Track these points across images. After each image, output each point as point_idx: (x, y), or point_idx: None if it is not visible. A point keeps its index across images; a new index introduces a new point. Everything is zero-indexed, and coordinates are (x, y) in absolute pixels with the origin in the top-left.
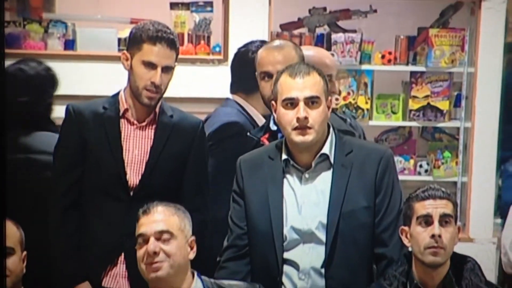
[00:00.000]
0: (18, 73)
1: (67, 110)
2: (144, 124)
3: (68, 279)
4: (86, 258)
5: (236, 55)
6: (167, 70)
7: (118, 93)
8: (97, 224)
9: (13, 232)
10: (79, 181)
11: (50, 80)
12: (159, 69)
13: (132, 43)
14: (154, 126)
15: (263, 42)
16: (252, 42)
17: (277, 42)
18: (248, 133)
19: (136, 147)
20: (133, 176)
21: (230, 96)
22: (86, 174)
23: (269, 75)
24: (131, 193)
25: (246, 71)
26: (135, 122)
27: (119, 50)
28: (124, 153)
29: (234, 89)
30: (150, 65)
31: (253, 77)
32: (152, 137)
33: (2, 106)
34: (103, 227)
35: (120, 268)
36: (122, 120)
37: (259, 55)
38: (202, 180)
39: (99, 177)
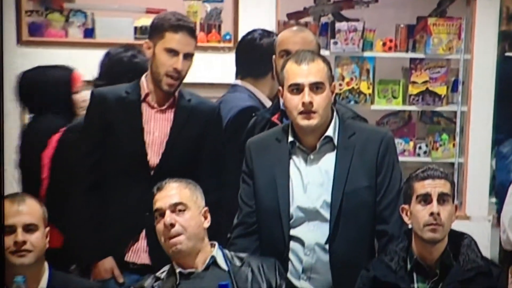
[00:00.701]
0: (103, 58)
1: (91, 94)
2: (164, 107)
3: (92, 255)
4: (110, 234)
5: (241, 43)
6: (188, 56)
7: (139, 79)
8: (119, 202)
9: (36, 210)
10: (102, 162)
11: (130, 67)
12: (181, 56)
13: (154, 32)
14: (173, 110)
15: (264, 31)
16: (254, 30)
17: (297, 27)
18: (253, 114)
19: (157, 129)
20: (154, 157)
21: (238, 82)
22: (109, 155)
23: (288, 53)
24: (152, 173)
25: (254, 57)
26: (156, 105)
27: (135, 38)
28: (145, 135)
29: (242, 75)
30: (173, 52)
31: (261, 62)
32: (172, 120)
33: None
34: (125, 205)
35: (142, 243)
36: (143, 104)
37: (281, 36)
38: (218, 161)
39: (121, 157)
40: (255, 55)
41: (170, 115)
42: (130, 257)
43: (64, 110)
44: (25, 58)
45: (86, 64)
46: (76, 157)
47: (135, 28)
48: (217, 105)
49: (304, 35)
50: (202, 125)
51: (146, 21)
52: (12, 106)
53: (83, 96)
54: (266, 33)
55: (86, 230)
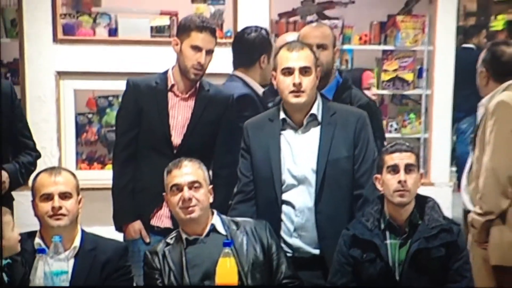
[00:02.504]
0: None
1: (127, 83)
2: (187, 96)
3: (124, 218)
4: (139, 201)
5: (235, 38)
6: (209, 52)
7: (167, 71)
8: (147, 174)
9: (70, 180)
10: (135, 139)
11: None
12: (203, 52)
13: (182, 31)
14: (194, 98)
15: (255, 27)
16: (247, 27)
17: (316, 23)
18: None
19: (180, 114)
20: (177, 137)
21: (233, 72)
22: (141, 134)
23: (310, 46)
24: (175, 151)
25: (242, 49)
26: (180, 94)
27: (151, 35)
28: (170, 119)
29: (235, 65)
30: (197, 49)
31: (248, 54)
32: (193, 107)
33: None
34: (152, 177)
35: (165, 210)
36: (169, 93)
37: (303, 31)
38: (231, 142)
39: (150, 137)
40: (243, 47)
41: (191, 102)
42: (154, 221)
43: None
44: (60, 54)
45: (110, 57)
46: (115, 135)
47: (151, 27)
48: (232, 94)
49: (323, 29)
50: (219, 111)
51: (160, 21)
52: (50, 93)
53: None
54: (254, 29)
55: (121, 196)
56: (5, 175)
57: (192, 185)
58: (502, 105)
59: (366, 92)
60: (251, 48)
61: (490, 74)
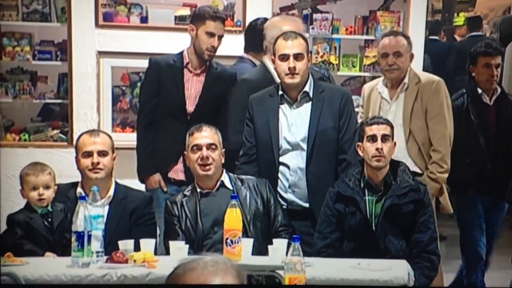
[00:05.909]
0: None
1: (149, 61)
2: (199, 72)
3: (146, 171)
4: (158, 158)
5: (248, 27)
6: (220, 38)
7: (182, 51)
8: (166, 135)
9: (107, 140)
10: (155, 107)
11: None
12: (216, 37)
13: (197, 19)
14: (205, 74)
15: (265, 19)
16: (258, 19)
17: (284, 15)
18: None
19: (193, 87)
20: (190, 106)
21: (244, 54)
22: (160, 103)
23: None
24: (188, 117)
25: (255, 37)
26: (193, 70)
27: (175, 23)
28: (185, 91)
29: (247, 49)
30: (211, 35)
31: (260, 41)
32: (203, 81)
33: None
34: (170, 138)
35: (179, 165)
36: (184, 69)
37: (272, 22)
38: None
39: (168, 105)
40: (255, 36)
41: (202, 78)
42: (171, 174)
43: None
44: (101, 37)
45: (141, 40)
46: (139, 104)
47: (175, 16)
48: (235, 73)
49: (295, 21)
50: (224, 86)
51: (183, 11)
52: (92, 69)
53: None
54: (265, 20)
55: (144, 154)
56: None
57: (210, 147)
58: (443, 84)
59: None
60: (262, 36)
61: None
